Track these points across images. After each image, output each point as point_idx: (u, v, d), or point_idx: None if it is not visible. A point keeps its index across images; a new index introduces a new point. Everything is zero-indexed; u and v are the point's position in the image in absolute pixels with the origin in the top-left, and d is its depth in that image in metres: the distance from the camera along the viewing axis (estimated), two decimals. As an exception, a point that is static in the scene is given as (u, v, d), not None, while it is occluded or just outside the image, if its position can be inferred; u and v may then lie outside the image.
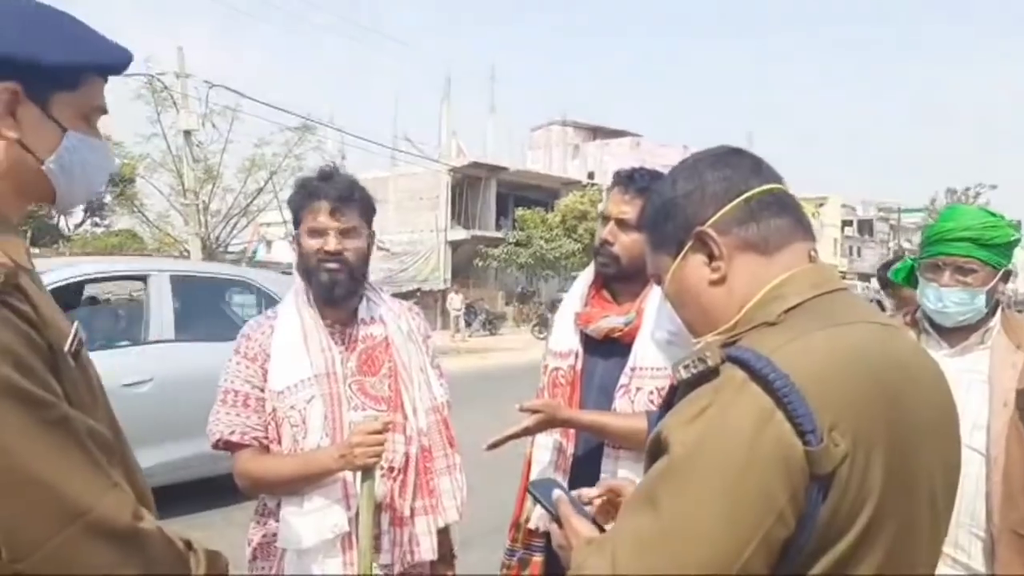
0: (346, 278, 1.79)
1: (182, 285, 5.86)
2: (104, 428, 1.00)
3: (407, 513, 1.80)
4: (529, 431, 1.86)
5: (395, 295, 2.12)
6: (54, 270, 4.95)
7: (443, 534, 1.91)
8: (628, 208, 1.87)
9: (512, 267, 28.46)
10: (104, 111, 1.10)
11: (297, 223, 1.83)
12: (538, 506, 1.62)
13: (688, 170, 1.01)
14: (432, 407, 1.92)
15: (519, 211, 29.31)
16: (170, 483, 4.74)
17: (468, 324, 23.81)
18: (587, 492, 1.18)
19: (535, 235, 27.61)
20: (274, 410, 1.78)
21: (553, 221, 28.30)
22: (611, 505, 1.16)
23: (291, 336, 1.82)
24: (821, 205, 46.89)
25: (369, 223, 1.86)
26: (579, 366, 1.98)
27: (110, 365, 4.25)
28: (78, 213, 26.52)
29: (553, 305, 20.40)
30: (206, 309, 6.12)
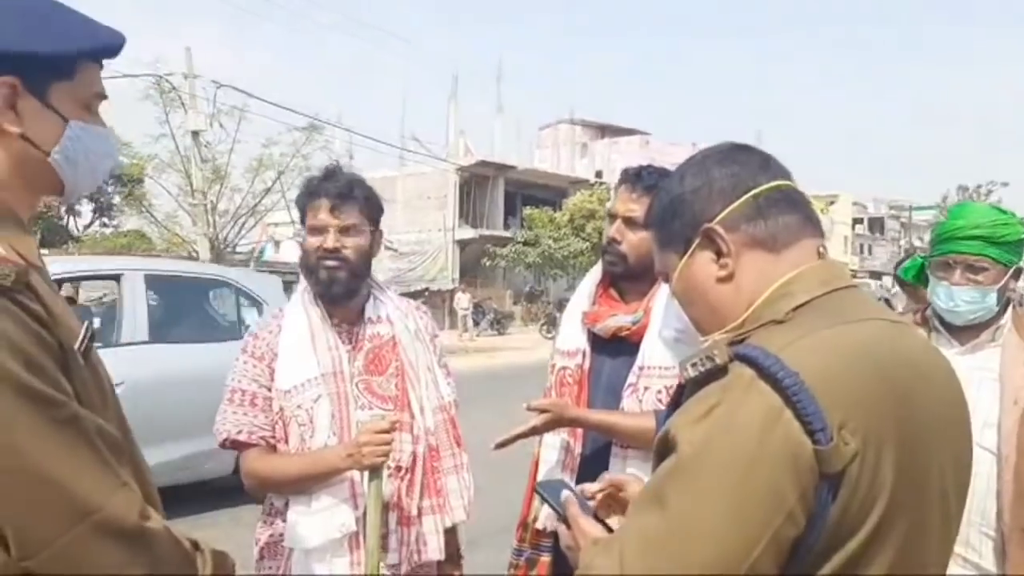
0: (346, 276, 1.79)
1: (158, 285, 5.72)
2: (113, 427, 1.00)
3: (414, 512, 1.80)
4: (537, 430, 1.85)
5: (403, 295, 2.12)
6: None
7: (450, 534, 1.91)
8: (635, 206, 1.86)
9: (520, 266, 28.48)
10: (103, 96, 1.09)
11: (303, 222, 1.84)
12: (546, 506, 1.62)
13: (696, 167, 1.00)
14: (439, 406, 1.92)
15: (527, 210, 29.34)
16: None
17: (476, 323, 23.82)
18: (589, 487, 1.17)
19: (543, 234, 27.62)
20: (281, 409, 1.78)
21: (561, 220, 28.31)
22: (613, 500, 1.15)
23: (298, 335, 1.82)
24: (832, 203, 46.69)
25: (373, 221, 1.85)
26: (587, 365, 1.97)
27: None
28: (87, 214, 26.70)
29: (561, 304, 20.40)
30: (185, 310, 5.99)
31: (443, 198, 29.50)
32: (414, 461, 1.82)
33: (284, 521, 1.76)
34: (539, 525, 1.94)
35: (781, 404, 0.77)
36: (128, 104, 17.21)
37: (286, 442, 1.78)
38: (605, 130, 43.03)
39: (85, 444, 0.92)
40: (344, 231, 1.78)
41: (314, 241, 1.79)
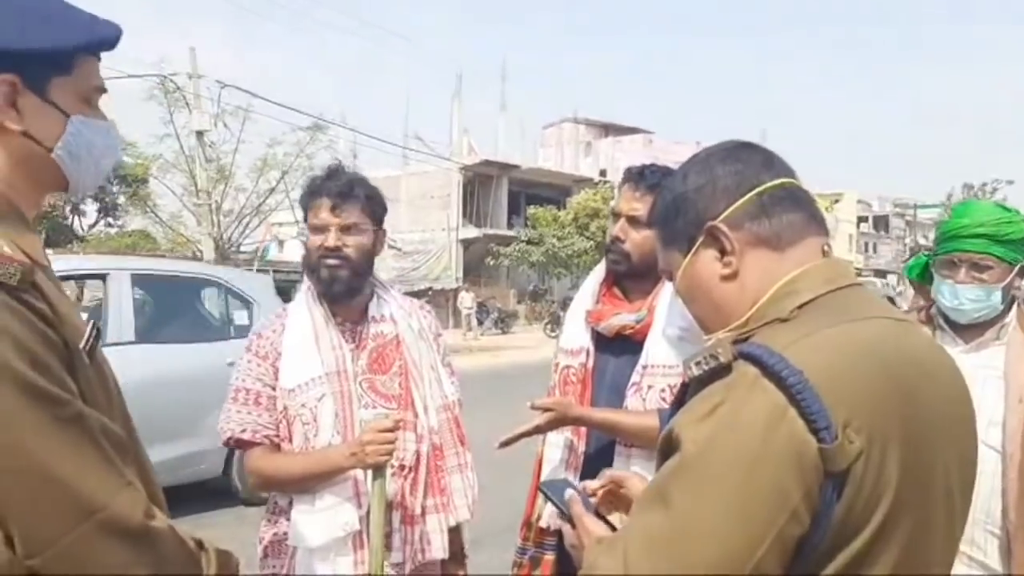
0: (347, 274, 1.79)
1: (145, 284, 5.64)
2: (118, 426, 1.00)
3: (418, 511, 1.80)
4: (540, 429, 1.85)
5: (407, 294, 2.12)
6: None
7: (454, 532, 1.91)
8: (639, 205, 1.86)
9: (524, 265, 28.47)
10: (103, 90, 1.09)
11: (306, 222, 1.85)
12: (549, 504, 1.62)
13: (699, 165, 1.00)
14: (443, 405, 1.92)
15: (531, 209, 29.31)
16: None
17: (480, 322, 23.83)
18: (590, 484, 1.17)
19: (547, 233, 27.60)
20: (285, 408, 1.78)
21: (565, 219, 28.28)
22: (613, 496, 1.15)
23: (302, 334, 1.82)
24: (837, 201, 46.60)
25: (375, 220, 1.85)
26: (590, 364, 1.97)
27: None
28: (92, 214, 26.78)
29: (565, 303, 20.38)
30: (172, 309, 5.90)
31: (447, 197, 29.50)
32: (418, 460, 1.82)
33: (288, 520, 1.76)
34: (543, 523, 1.95)
35: (785, 402, 0.77)
36: (133, 104, 17.27)
37: (290, 441, 1.78)
38: (609, 129, 42.98)
39: (90, 443, 0.92)
40: (345, 230, 1.79)
41: (316, 240, 1.80)
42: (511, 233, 29.76)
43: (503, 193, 31.76)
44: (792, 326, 0.86)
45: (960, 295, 1.89)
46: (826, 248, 0.96)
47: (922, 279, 2.13)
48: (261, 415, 1.79)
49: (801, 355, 0.79)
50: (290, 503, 1.77)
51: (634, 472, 1.77)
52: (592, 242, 26.61)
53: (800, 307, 0.88)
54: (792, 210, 0.94)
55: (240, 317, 5.84)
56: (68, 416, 0.90)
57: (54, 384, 0.90)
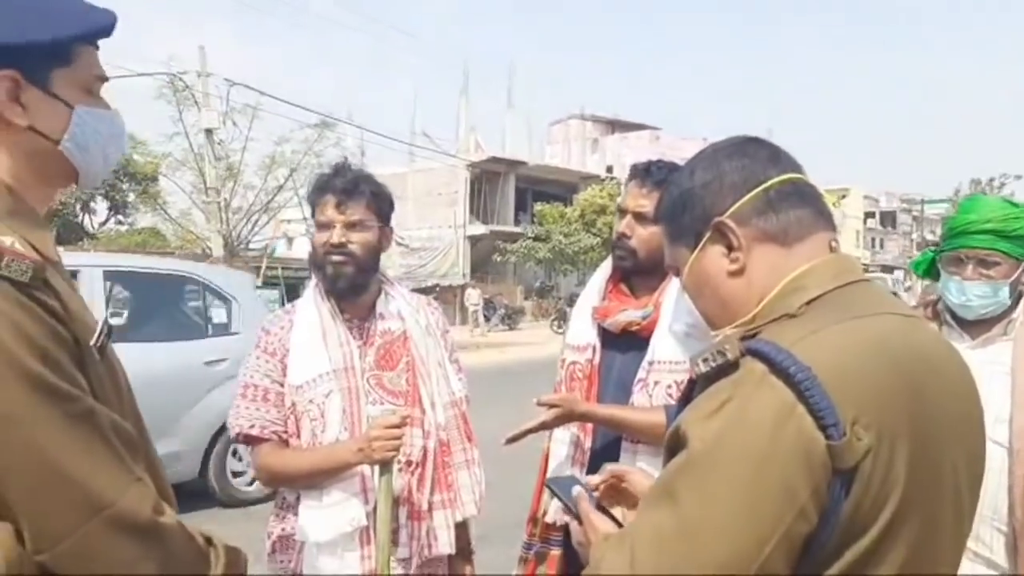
0: (352, 271, 1.79)
1: (119, 281, 5.54)
2: (128, 423, 1.01)
3: (425, 507, 1.81)
4: (546, 425, 1.85)
5: (414, 290, 2.12)
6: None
7: (461, 528, 1.91)
8: (645, 201, 1.86)
9: (531, 262, 28.45)
10: (104, 79, 1.08)
11: (314, 218, 1.85)
12: (555, 500, 1.62)
13: (706, 160, 0.99)
14: (450, 401, 1.92)
15: (538, 206, 29.30)
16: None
17: (487, 319, 23.84)
18: (592, 479, 1.17)
19: (554, 230, 27.59)
20: (293, 404, 1.79)
21: (572, 215, 28.25)
22: (614, 490, 1.15)
23: (310, 331, 1.83)
24: (843, 196, 46.39)
25: (381, 217, 1.85)
26: (597, 360, 1.97)
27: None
28: (102, 211, 26.91)
29: (572, 300, 20.34)
30: (147, 307, 5.81)
31: (454, 194, 29.50)
32: (425, 456, 1.83)
33: (296, 515, 1.77)
34: (549, 519, 1.95)
35: (793, 399, 0.76)
36: (142, 103, 17.35)
37: (298, 437, 1.79)
38: (615, 125, 42.89)
39: (100, 439, 0.92)
40: (350, 226, 1.79)
41: (321, 237, 1.81)
42: (518, 230, 29.75)
43: (510, 190, 31.74)
44: (800, 322, 0.85)
45: (967, 291, 1.89)
46: (833, 244, 0.95)
47: (929, 275, 2.12)
48: (269, 411, 1.80)
49: (809, 351, 0.79)
50: (298, 499, 1.78)
51: (639, 468, 1.78)
52: (599, 238, 26.58)
53: (808, 303, 0.87)
54: (799, 206, 0.94)
55: (219, 315, 5.74)
56: (78, 412, 0.91)
57: (65, 380, 0.90)
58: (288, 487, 1.83)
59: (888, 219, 56.98)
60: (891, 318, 0.87)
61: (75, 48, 1.03)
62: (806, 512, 0.76)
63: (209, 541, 1.05)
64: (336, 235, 1.78)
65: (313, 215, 1.85)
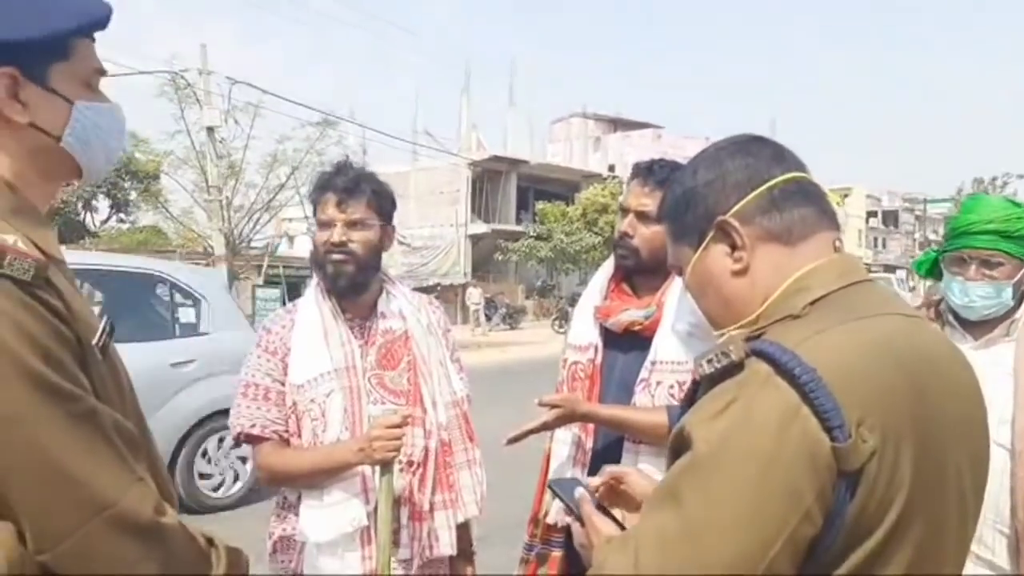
0: (352, 269, 1.79)
1: (84, 279, 5.20)
2: (130, 423, 1.00)
3: (426, 507, 1.80)
4: (548, 426, 1.85)
5: (415, 289, 2.12)
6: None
7: (462, 529, 1.91)
8: (648, 200, 1.85)
9: (532, 261, 28.45)
10: (102, 72, 1.07)
11: (316, 217, 1.85)
12: (557, 500, 1.62)
13: (709, 159, 0.99)
14: (452, 401, 1.92)
15: (539, 204, 29.30)
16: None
17: (488, 318, 23.84)
18: (592, 482, 1.17)
19: (555, 229, 27.59)
20: (294, 403, 1.79)
21: (574, 214, 28.25)
22: (612, 492, 1.14)
23: (311, 330, 1.83)
24: (846, 196, 46.35)
25: (383, 216, 1.85)
26: (599, 360, 1.96)
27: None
28: (104, 209, 26.94)
29: (573, 299, 20.31)
30: (116, 306, 5.45)
31: (455, 193, 29.49)
32: (426, 456, 1.82)
33: (297, 516, 1.77)
34: (550, 520, 1.94)
35: (798, 401, 0.76)
36: (144, 100, 17.34)
37: (299, 436, 1.78)
38: (618, 124, 42.87)
39: (102, 439, 0.92)
40: (351, 225, 1.79)
41: (322, 235, 1.80)
42: (519, 229, 29.75)
43: (512, 188, 31.73)
44: (804, 323, 0.85)
45: (970, 292, 1.88)
46: (837, 243, 0.95)
47: (931, 275, 2.11)
48: (270, 410, 1.80)
49: (814, 352, 0.78)
50: (299, 498, 1.78)
51: (641, 468, 1.77)
52: (600, 238, 26.57)
53: (812, 303, 0.87)
54: (803, 204, 0.93)
55: (187, 315, 5.54)
56: (81, 412, 0.90)
57: (67, 380, 0.90)
58: (289, 487, 1.83)
59: (890, 218, 56.92)
60: (895, 319, 0.87)
61: (72, 42, 1.02)
62: (811, 514, 0.75)
63: (210, 542, 1.05)
64: (337, 234, 1.78)
65: (315, 214, 1.85)
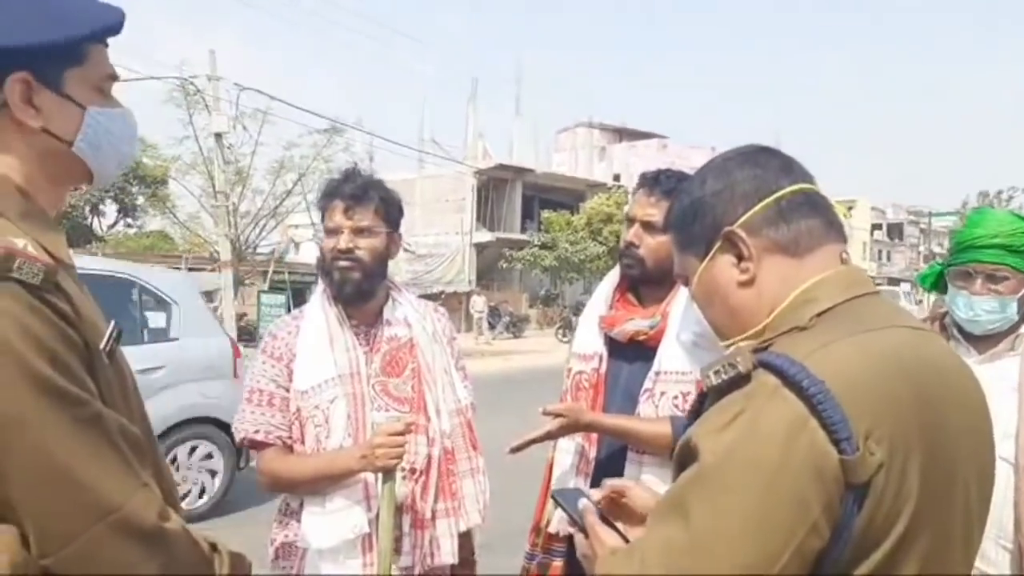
0: (359, 276, 1.80)
1: None
2: (136, 427, 1.01)
3: (428, 515, 1.80)
4: (552, 435, 1.85)
5: (420, 297, 2.12)
6: None
7: (464, 537, 1.91)
8: (654, 210, 1.85)
9: (536, 269, 28.44)
10: (115, 77, 1.08)
11: (323, 223, 1.86)
12: (559, 510, 1.61)
13: (717, 169, 0.99)
14: (456, 409, 1.92)
15: (544, 213, 29.30)
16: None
17: (492, 326, 23.82)
18: (593, 495, 1.16)
19: (560, 237, 27.57)
20: (298, 409, 1.79)
21: (578, 223, 28.24)
22: (614, 505, 1.14)
23: (316, 336, 1.83)
24: (850, 207, 46.27)
25: (390, 223, 1.86)
26: (603, 369, 1.96)
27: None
28: (111, 214, 27.06)
29: (577, 308, 20.31)
30: None
31: (461, 201, 29.53)
32: (429, 464, 1.82)
33: (299, 522, 1.76)
34: (552, 529, 1.94)
35: (806, 413, 0.76)
36: (153, 106, 17.43)
37: (302, 442, 1.78)
38: (623, 133, 42.94)
39: (107, 444, 0.92)
40: (358, 232, 1.79)
41: (329, 242, 1.81)
42: (524, 237, 29.75)
43: (517, 197, 31.76)
44: (811, 335, 0.85)
45: (975, 307, 1.87)
46: (844, 255, 0.95)
47: (936, 288, 2.11)
48: (274, 416, 1.80)
49: (822, 364, 0.78)
50: (301, 505, 1.77)
51: (645, 479, 1.77)
52: (605, 247, 26.56)
53: (819, 315, 0.87)
54: (810, 216, 0.93)
55: (156, 320, 5.38)
56: (87, 416, 0.90)
57: (74, 384, 0.90)
58: (291, 493, 1.83)
59: (895, 231, 56.84)
60: (902, 331, 0.87)
61: (86, 48, 1.02)
62: (818, 527, 0.75)
63: (214, 547, 1.05)
64: (344, 241, 1.78)
65: (323, 220, 1.86)
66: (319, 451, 1.76)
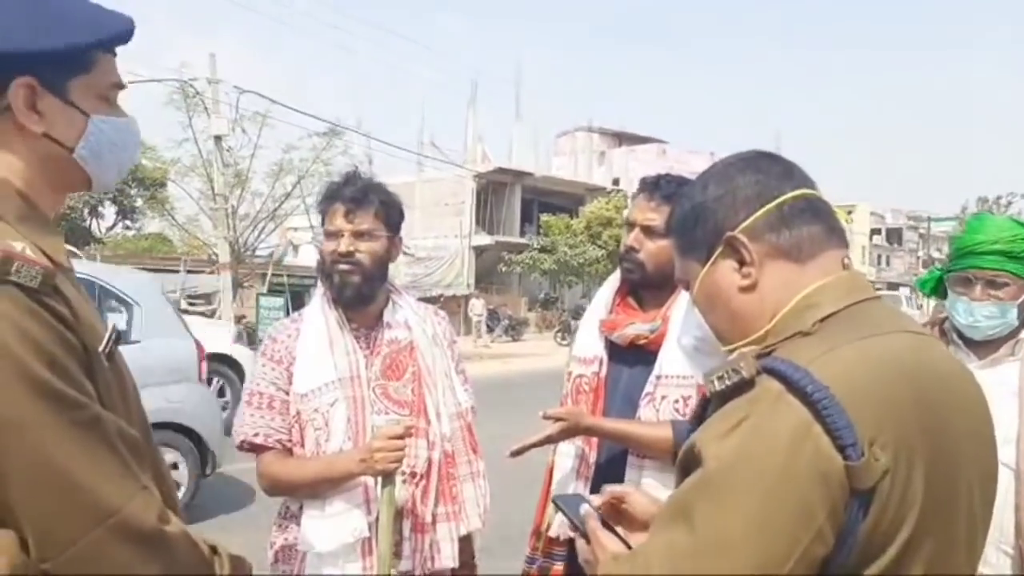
0: (359, 280, 1.80)
1: None
2: (135, 430, 1.00)
3: (428, 519, 1.80)
4: (552, 439, 1.84)
5: (418, 300, 2.12)
6: None
7: (464, 541, 1.90)
8: (654, 215, 1.86)
9: (536, 273, 28.46)
10: (121, 86, 1.08)
11: (324, 226, 1.86)
12: (559, 514, 1.61)
13: (719, 174, 0.99)
14: (456, 412, 1.92)
15: (544, 217, 29.31)
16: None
17: (491, 330, 23.82)
18: (593, 501, 1.16)
19: (559, 241, 27.59)
20: (298, 412, 1.79)
21: (578, 227, 28.26)
22: (614, 511, 1.14)
23: (316, 339, 1.83)
24: (850, 212, 46.34)
25: (391, 226, 1.86)
26: (603, 373, 1.96)
27: None
28: (110, 216, 27.03)
29: (577, 312, 20.30)
30: None
31: (460, 204, 29.54)
32: (429, 467, 1.82)
33: (298, 525, 1.76)
34: (552, 533, 1.93)
35: (810, 419, 0.76)
36: (152, 108, 17.43)
37: (302, 445, 1.78)
38: (622, 138, 42.98)
39: (106, 447, 0.92)
40: (358, 236, 1.79)
41: (329, 245, 1.81)
42: (523, 241, 29.78)
43: (516, 201, 31.79)
44: (814, 340, 0.85)
45: (975, 312, 1.88)
46: (846, 261, 0.95)
47: (935, 294, 2.11)
48: (274, 419, 1.80)
49: (826, 370, 0.78)
50: (301, 508, 1.77)
51: (645, 483, 1.77)
52: (604, 251, 26.58)
53: (821, 320, 0.87)
54: (812, 222, 0.94)
55: (117, 321, 5.09)
56: (85, 420, 0.90)
57: (72, 387, 0.90)
58: (290, 496, 1.83)
59: (894, 236, 56.89)
60: (904, 336, 0.87)
61: (93, 56, 1.02)
62: (823, 533, 0.75)
63: (214, 550, 1.05)
64: (344, 244, 1.78)
65: (323, 223, 1.86)
66: (319, 454, 1.75)
